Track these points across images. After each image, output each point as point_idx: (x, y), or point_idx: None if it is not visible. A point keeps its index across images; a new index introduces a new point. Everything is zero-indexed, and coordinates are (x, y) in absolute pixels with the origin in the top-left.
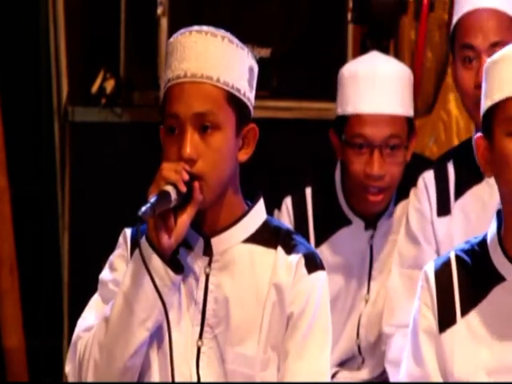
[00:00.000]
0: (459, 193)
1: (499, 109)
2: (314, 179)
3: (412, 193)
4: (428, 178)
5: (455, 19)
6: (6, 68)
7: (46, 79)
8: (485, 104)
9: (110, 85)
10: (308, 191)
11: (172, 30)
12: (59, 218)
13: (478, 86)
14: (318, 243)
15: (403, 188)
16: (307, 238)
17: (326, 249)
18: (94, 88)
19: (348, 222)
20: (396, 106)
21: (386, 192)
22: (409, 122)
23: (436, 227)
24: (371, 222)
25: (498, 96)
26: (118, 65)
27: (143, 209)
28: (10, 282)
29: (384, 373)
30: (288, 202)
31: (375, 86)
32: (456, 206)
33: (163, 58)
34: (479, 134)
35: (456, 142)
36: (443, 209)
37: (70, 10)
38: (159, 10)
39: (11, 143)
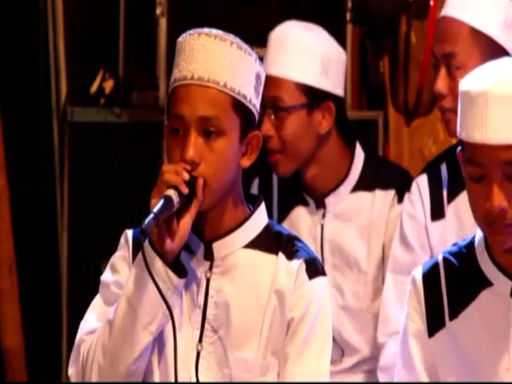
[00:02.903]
0: (452, 195)
1: (465, 147)
2: None
3: (406, 197)
4: (421, 181)
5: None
6: (6, 68)
7: (45, 79)
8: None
9: (108, 85)
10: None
11: (171, 31)
12: (58, 218)
13: (436, 96)
14: (280, 220)
15: (364, 179)
16: (271, 216)
17: (285, 225)
18: (93, 88)
19: (306, 203)
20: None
21: (278, 154)
22: (305, 88)
23: (430, 232)
24: (321, 202)
25: (464, 135)
26: (117, 65)
27: (147, 221)
28: (9, 282)
29: (362, 362)
30: (255, 183)
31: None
32: (449, 209)
33: (162, 59)
34: (460, 149)
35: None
36: (437, 213)
37: (69, 10)
38: (158, 11)
39: (10, 143)
